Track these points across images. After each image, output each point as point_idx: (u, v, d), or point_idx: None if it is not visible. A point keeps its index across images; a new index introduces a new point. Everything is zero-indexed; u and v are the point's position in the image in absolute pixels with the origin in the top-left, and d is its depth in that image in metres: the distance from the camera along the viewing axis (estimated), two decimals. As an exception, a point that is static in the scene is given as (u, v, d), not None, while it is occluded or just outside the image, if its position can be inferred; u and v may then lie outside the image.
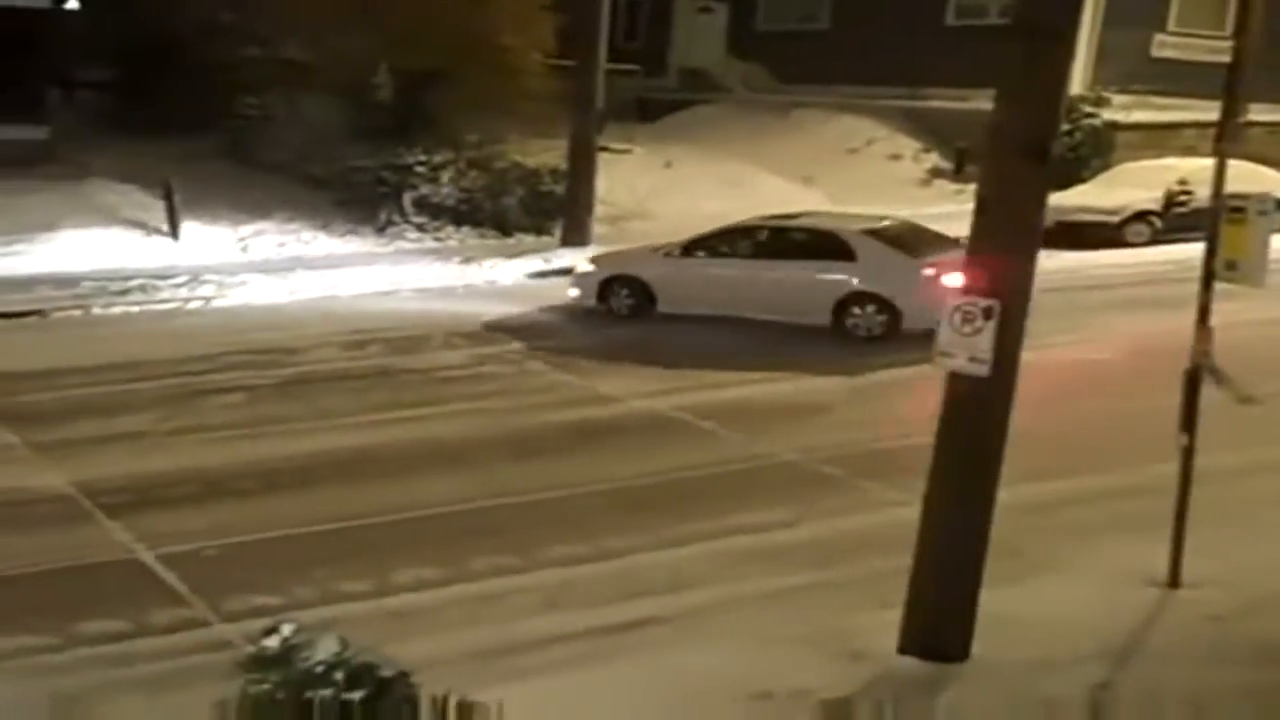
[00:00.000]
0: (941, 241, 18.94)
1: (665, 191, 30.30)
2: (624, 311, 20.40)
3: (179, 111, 28.47)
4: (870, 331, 18.51)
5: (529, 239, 27.52)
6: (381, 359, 18.22)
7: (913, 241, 19.28)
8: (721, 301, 19.63)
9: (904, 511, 10.06)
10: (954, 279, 17.03)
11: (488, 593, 10.79)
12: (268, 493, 13.08)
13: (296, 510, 12.54)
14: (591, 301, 20.69)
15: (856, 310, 18.63)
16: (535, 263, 25.15)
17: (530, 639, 9.82)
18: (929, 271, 17.86)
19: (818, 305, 18.85)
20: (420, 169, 27.69)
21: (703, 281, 19.94)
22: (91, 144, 28.56)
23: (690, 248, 20.46)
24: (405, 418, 15.55)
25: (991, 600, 8.89)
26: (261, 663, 6.20)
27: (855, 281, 18.71)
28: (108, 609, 10.36)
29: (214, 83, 28.73)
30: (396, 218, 27.48)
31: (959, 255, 16.84)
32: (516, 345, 18.92)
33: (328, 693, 6.01)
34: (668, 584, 10.86)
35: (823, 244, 19.36)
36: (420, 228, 27.45)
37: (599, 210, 27.33)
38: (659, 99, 37.92)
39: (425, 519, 12.42)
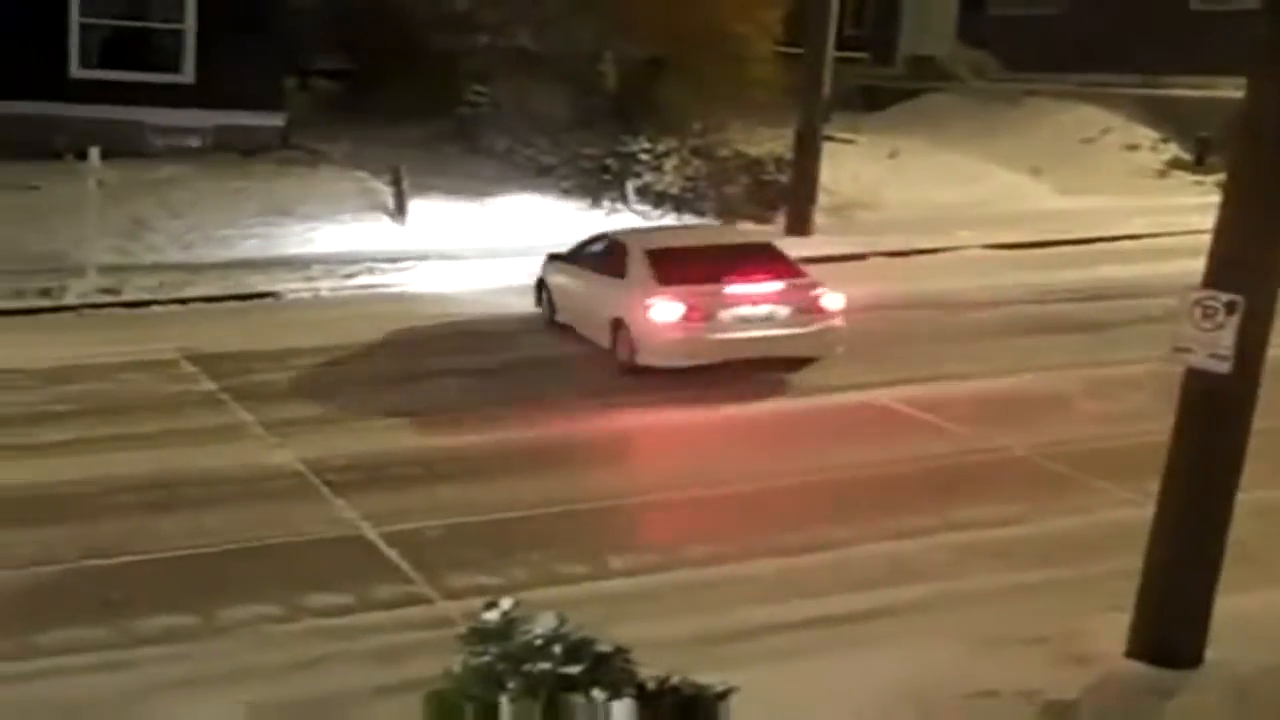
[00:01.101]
0: (759, 266, 16.52)
1: (890, 182, 29.93)
2: (549, 317, 18.87)
3: (409, 99, 29.08)
4: (624, 361, 16.38)
5: (750, 228, 27.40)
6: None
7: (696, 261, 16.62)
8: (570, 313, 18.31)
9: (1135, 511, 9.74)
10: (666, 310, 16.06)
11: (704, 580, 10.75)
12: (487, 475, 13.23)
13: (517, 493, 12.65)
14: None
15: (619, 334, 16.54)
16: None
17: (748, 627, 9.75)
18: (651, 300, 15.92)
19: (599, 325, 17.10)
20: (644, 156, 27.78)
21: (559, 291, 18.62)
22: (325, 131, 29.34)
23: (562, 255, 18.87)
24: (627, 404, 15.56)
25: (1226, 606, 8.54)
26: (482, 635, 6.31)
27: (616, 302, 16.75)
28: (334, 583, 10.59)
29: (444, 71, 29.28)
30: (619, 204, 27.60)
31: (754, 284, 16.00)
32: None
33: (546, 665, 6.10)
34: (889, 577, 10.70)
35: (613, 258, 17.28)
36: (642, 215, 27.55)
37: (823, 200, 27.11)
38: (885, 87, 37.47)
39: (641, 505, 12.45)
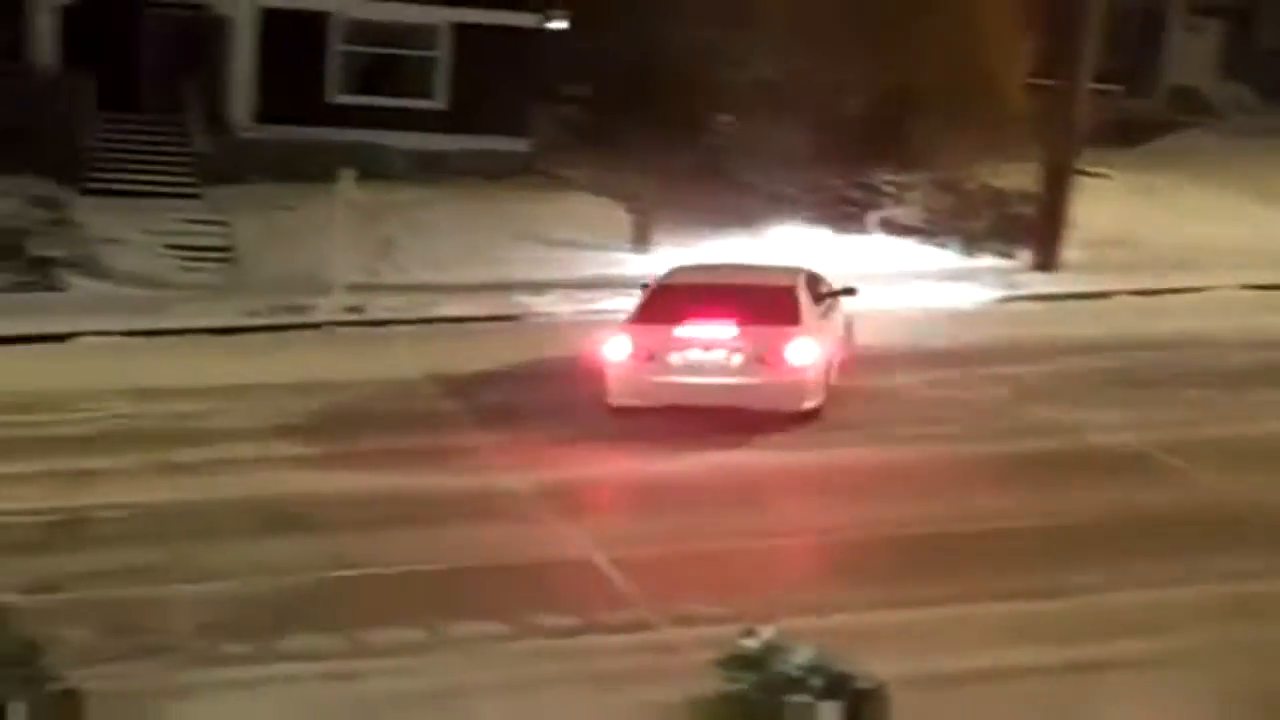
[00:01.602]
0: (746, 310, 15.46)
1: (1145, 218, 28.97)
2: None
3: (653, 128, 29.23)
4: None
5: (994, 262, 26.84)
6: (839, 380, 18.02)
7: (693, 300, 15.86)
8: None
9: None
10: (616, 348, 15.13)
11: (945, 619, 10.36)
12: (713, 503, 13.09)
13: (749, 522, 12.48)
14: None
15: None
16: (1001, 288, 24.47)
17: (997, 668, 9.38)
18: (610, 336, 15.60)
19: None
20: (887, 188, 27.45)
21: None
22: (569, 157, 29.67)
23: None
24: (858, 439, 15.27)
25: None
26: (739, 662, 6.22)
27: None
28: (561, 605, 10.54)
29: (688, 101, 29.37)
30: (859, 236, 27.31)
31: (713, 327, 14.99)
32: (980, 371, 18.35)
33: (803, 698, 5.97)
34: (1139, 626, 10.19)
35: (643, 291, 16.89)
36: (880, 247, 27.22)
37: (1073, 236, 26.40)
38: (1142, 120, 36.30)
39: (876, 541, 12.12)
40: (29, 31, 27.25)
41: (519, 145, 29.53)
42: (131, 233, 24.88)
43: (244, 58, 28.41)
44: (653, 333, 15.36)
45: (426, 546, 11.85)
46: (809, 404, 15.25)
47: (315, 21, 28.64)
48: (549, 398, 16.74)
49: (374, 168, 25.64)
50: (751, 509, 12.90)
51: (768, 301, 15.80)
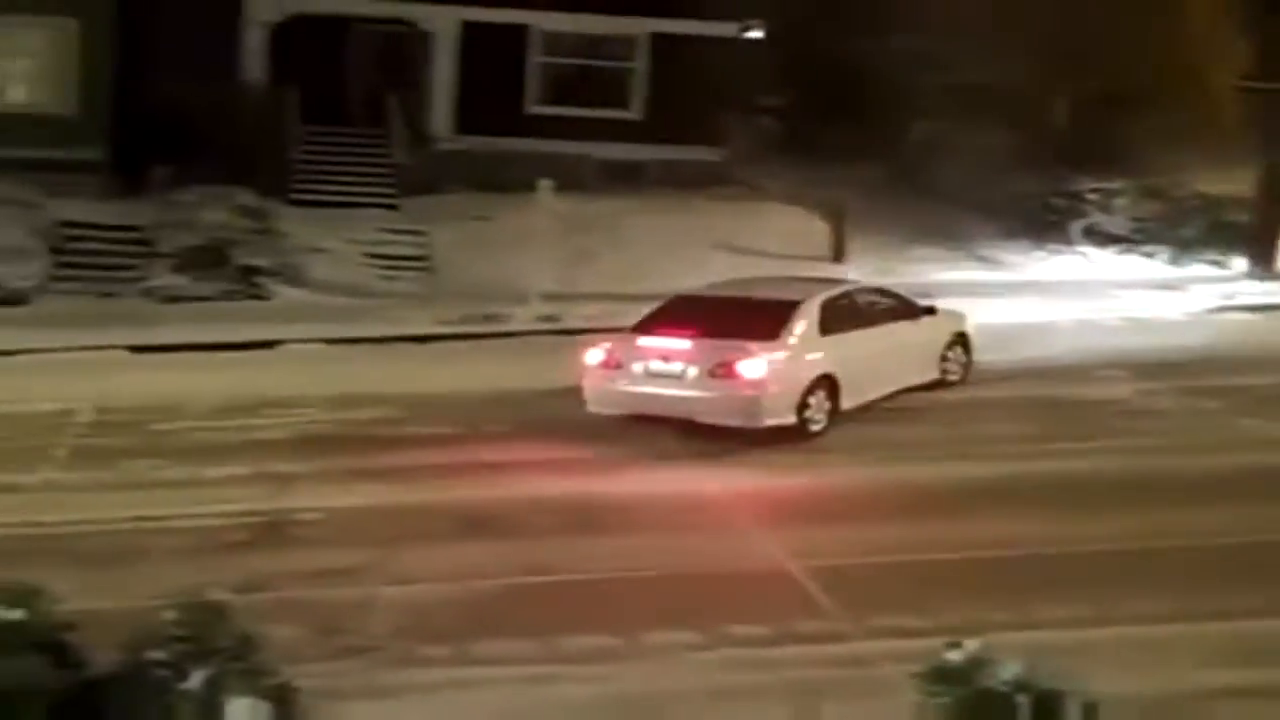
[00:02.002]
0: (725, 324, 15.56)
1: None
2: None
3: (847, 136, 28.96)
4: None
5: (1206, 271, 25.99)
6: (1044, 389, 17.61)
7: (692, 312, 16.17)
8: None
9: None
10: (592, 356, 15.21)
11: (1147, 639, 10.00)
12: (913, 516, 12.83)
13: (943, 535, 12.19)
14: None
15: None
16: (1214, 297, 23.68)
17: (1211, 689, 8.98)
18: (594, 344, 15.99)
19: None
20: (1092, 196, 26.77)
21: None
22: (764, 168, 29.52)
23: None
24: (1063, 450, 14.88)
25: None
26: (943, 676, 6.03)
27: None
28: (755, 615, 10.40)
29: (884, 108, 29.04)
30: (1062, 245, 26.68)
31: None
32: (1189, 382, 17.75)
33: (1011, 716, 5.77)
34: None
35: None
36: (1084, 256, 26.54)
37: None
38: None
39: (1075, 556, 11.74)
40: (240, 49, 28.04)
41: (714, 155, 29.47)
42: (333, 242, 25.42)
43: (444, 71, 28.88)
44: (625, 341, 15.63)
45: (620, 553, 11.82)
46: (770, 421, 15.02)
47: (515, 34, 28.96)
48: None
49: (570, 178, 25.79)
50: (949, 521, 12.61)
51: (759, 317, 15.68)
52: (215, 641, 5.98)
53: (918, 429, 15.91)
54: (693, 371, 15.06)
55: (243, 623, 6.34)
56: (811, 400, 15.19)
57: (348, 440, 15.14)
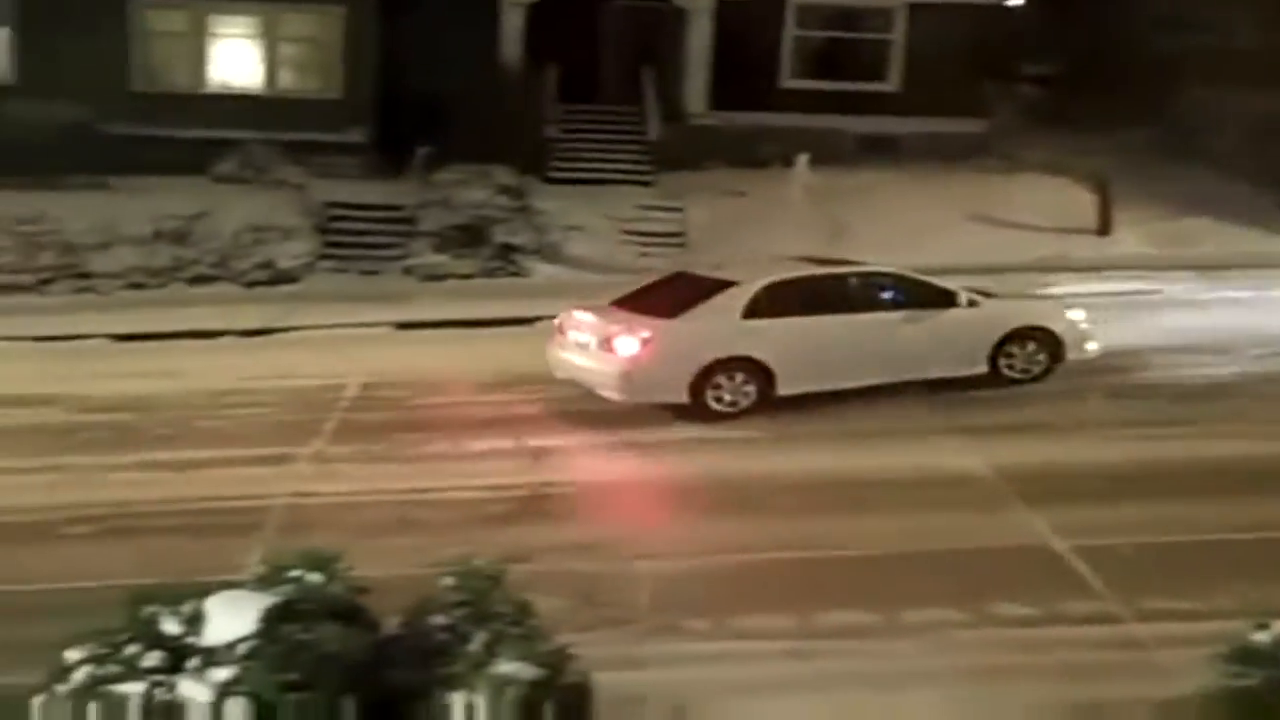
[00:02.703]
0: (658, 297, 15.92)
1: None
2: None
3: (1113, 105, 28.07)
4: None
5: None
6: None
7: (663, 289, 16.37)
8: None
9: None
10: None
11: None
12: (1177, 493, 12.38)
13: (1210, 516, 11.72)
14: None
15: None
16: None
17: None
18: None
19: None
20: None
21: None
22: (1026, 138, 28.83)
23: None
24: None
25: None
26: (1249, 657, 5.86)
27: None
28: (1020, 594, 10.17)
29: (1151, 75, 28.04)
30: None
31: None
32: None
33: None
34: None
35: None
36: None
37: None
38: None
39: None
40: (498, 30, 28.51)
41: (974, 127, 28.88)
42: (590, 219, 25.66)
43: (700, 46, 28.87)
44: (565, 313, 16.21)
45: (880, 530, 11.69)
46: (646, 398, 15.21)
47: (771, 8, 28.81)
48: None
49: (825, 152, 25.57)
50: (1220, 502, 12.10)
51: (688, 296, 15.77)
52: (493, 607, 6.08)
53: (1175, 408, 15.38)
54: (593, 344, 15.41)
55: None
56: (722, 381, 15.01)
57: (601, 415, 15.24)
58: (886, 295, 16.10)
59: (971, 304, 16.09)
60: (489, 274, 24.35)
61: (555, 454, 14.16)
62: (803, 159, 22.17)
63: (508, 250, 24.55)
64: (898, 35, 29.15)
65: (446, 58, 26.32)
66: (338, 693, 5.39)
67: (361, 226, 25.38)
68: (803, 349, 15.31)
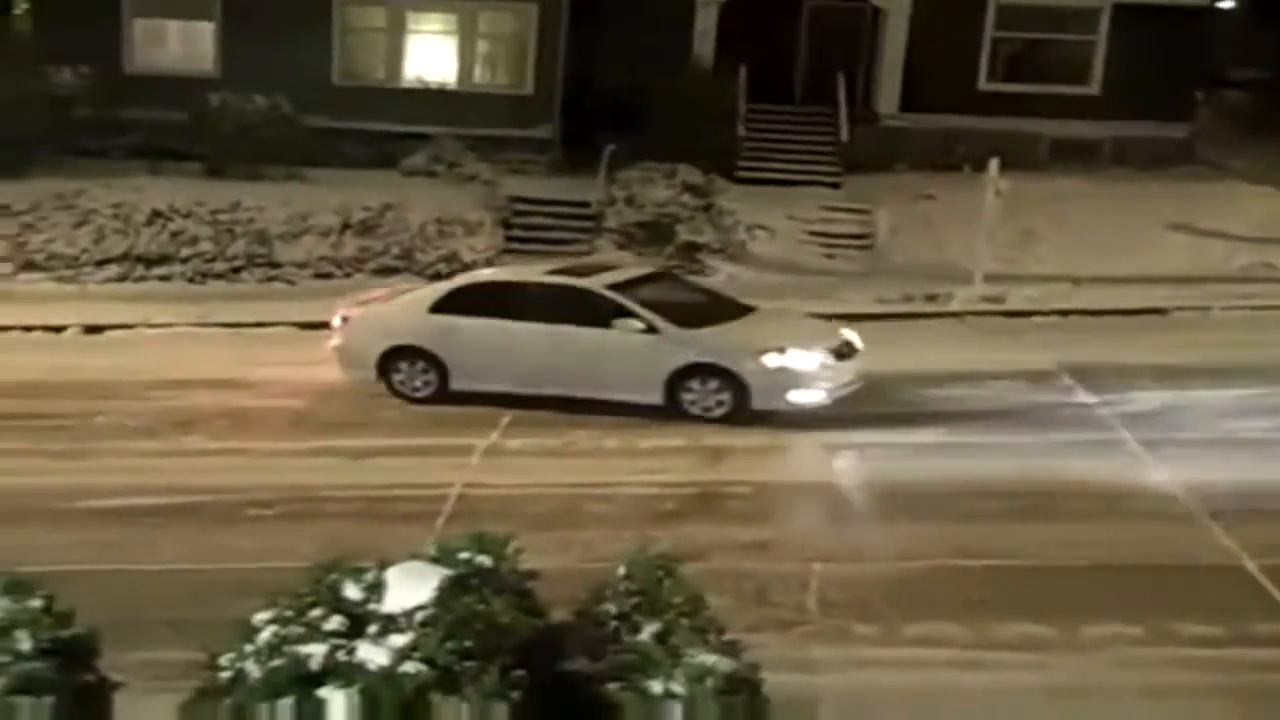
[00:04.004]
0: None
1: None
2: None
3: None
4: None
5: None
6: None
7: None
8: None
9: None
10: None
11: None
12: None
13: None
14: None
15: None
16: None
17: None
18: None
19: None
20: None
21: None
22: (1231, 145, 27.93)
23: None
24: None
25: None
26: None
27: None
28: (1206, 613, 9.81)
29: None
30: None
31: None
32: None
33: None
34: None
35: None
36: None
37: None
38: None
39: None
40: (690, 28, 28.47)
41: (1178, 132, 28.00)
42: (775, 220, 25.48)
43: (895, 47, 28.48)
44: None
45: (1059, 540, 11.40)
46: (350, 374, 16.45)
47: (971, 9, 28.30)
48: (1191, 395, 15.74)
49: (1021, 157, 25.04)
50: None
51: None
52: (666, 598, 6.08)
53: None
54: None
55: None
56: (403, 367, 15.97)
57: (776, 417, 15.06)
58: (585, 310, 15.46)
59: (652, 330, 15.14)
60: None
61: (731, 453, 14.05)
62: (994, 163, 21.70)
63: (691, 248, 24.48)
64: (1100, 37, 28.43)
65: (636, 55, 26.35)
66: (510, 665, 5.46)
67: (545, 221, 25.53)
68: (474, 349, 15.76)
